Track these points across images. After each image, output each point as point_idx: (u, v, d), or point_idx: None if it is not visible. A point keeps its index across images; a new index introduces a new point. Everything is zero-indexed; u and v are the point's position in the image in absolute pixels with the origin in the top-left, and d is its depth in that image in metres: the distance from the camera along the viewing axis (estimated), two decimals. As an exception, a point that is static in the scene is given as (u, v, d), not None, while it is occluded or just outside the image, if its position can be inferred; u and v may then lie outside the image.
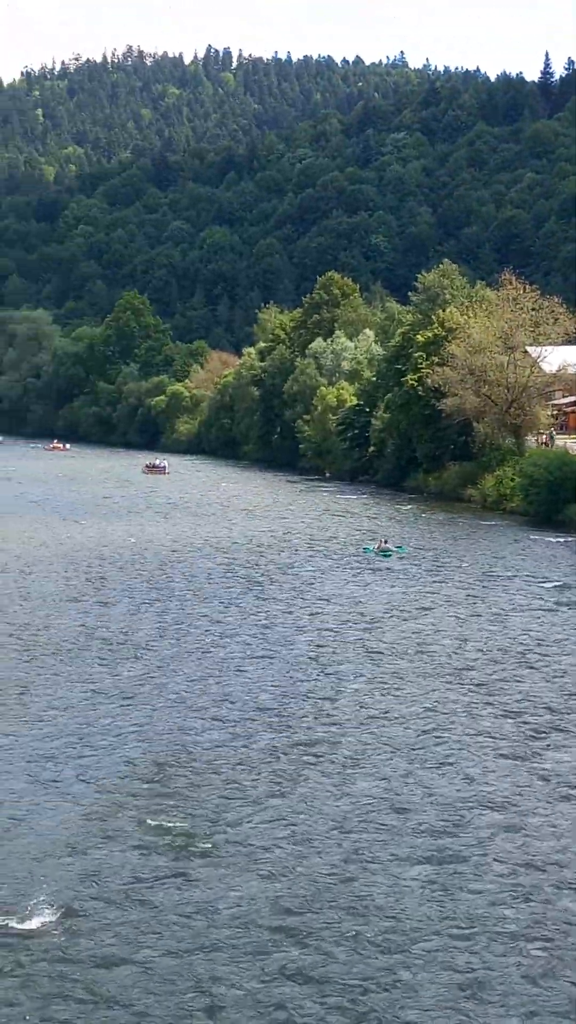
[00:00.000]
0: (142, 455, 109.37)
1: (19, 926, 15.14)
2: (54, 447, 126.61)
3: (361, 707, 25.26)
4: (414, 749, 22.30)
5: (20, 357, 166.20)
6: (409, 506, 66.81)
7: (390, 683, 27.24)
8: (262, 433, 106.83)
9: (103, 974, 14.04)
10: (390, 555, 46.86)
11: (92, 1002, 13.51)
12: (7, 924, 15.20)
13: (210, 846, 17.71)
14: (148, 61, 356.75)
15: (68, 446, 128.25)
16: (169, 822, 18.62)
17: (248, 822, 18.68)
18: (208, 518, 61.93)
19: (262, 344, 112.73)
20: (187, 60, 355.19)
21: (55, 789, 20.15)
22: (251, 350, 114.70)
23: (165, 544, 51.54)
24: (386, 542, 48.83)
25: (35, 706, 25.40)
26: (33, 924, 15.19)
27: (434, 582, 41.09)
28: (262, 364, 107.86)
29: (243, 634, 32.84)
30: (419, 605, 36.85)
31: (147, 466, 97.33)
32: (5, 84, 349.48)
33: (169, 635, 32.79)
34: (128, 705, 25.47)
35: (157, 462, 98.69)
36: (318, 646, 31.24)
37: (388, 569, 44.06)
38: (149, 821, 18.62)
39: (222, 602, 37.70)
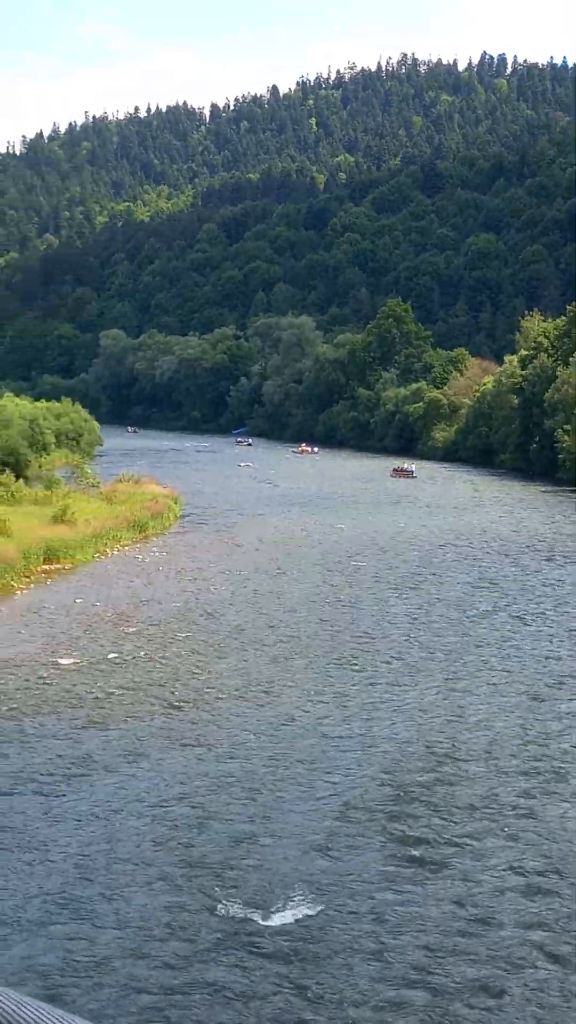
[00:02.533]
0: (392, 459, 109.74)
1: (272, 920, 15.23)
2: (303, 450, 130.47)
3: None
4: None
5: (284, 362, 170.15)
6: None
7: None
8: (520, 442, 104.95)
9: (354, 968, 14.17)
10: None
11: (344, 996, 13.72)
12: (261, 916, 15.34)
13: (457, 848, 17.80)
14: (422, 69, 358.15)
15: (316, 449, 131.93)
16: (418, 821, 18.82)
17: (495, 828, 18.64)
18: (452, 521, 61.50)
19: (524, 352, 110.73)
20: (461, 67, 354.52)
21: (307, 788, 20.53)
22: (512, 358, 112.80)
23: (411, 545, 51.76)
24: None
25: (286, 706, 26.08)
26: (287, 917, 15.31)
27: None
28: (523, 372, 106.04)
29: (487, 638, 32.64)
30: None
31: (394, 470, 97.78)
32: (282, 94, 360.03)
33: (413, 637, 32.99)
34: (375, 709, 25.79)
35: (405, 466, 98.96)
36: (565, 648, 30.68)
37: None
38: (398, 820, 18.86)
39: (465, 605, 37.61)
